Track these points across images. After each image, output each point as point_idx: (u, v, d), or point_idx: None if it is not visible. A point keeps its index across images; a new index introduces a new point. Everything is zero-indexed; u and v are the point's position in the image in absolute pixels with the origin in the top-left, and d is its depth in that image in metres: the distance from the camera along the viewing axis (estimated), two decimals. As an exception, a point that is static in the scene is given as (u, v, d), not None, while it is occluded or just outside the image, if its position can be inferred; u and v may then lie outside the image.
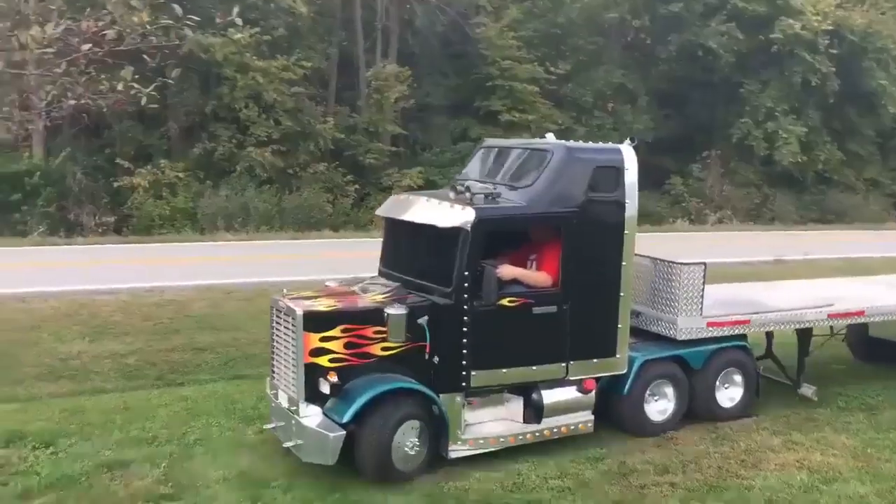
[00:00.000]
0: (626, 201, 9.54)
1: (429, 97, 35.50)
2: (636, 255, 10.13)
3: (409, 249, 9.78)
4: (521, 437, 9.37)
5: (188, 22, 9.13)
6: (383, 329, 8.71)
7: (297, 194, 30.15)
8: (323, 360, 8.61)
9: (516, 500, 8.56)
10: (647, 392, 10.11)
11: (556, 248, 9.34)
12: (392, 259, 10.05)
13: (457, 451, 9.04)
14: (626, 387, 9.90)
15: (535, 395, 9.40)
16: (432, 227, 9.03)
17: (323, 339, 8.61)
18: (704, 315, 10.24)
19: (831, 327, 11.80)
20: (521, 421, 9.46)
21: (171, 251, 22.90)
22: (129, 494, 8.39)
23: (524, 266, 9.50)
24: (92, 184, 29.12)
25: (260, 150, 29.74)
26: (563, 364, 9.42)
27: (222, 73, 29.50)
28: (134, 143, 30.06)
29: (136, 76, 9.36)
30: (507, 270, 9.14)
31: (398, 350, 8.83)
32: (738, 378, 10.68)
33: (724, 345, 10.51)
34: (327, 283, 9.80)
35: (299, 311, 8.59)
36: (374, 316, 8.73)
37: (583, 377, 9.57)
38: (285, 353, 8.94)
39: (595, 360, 9.63)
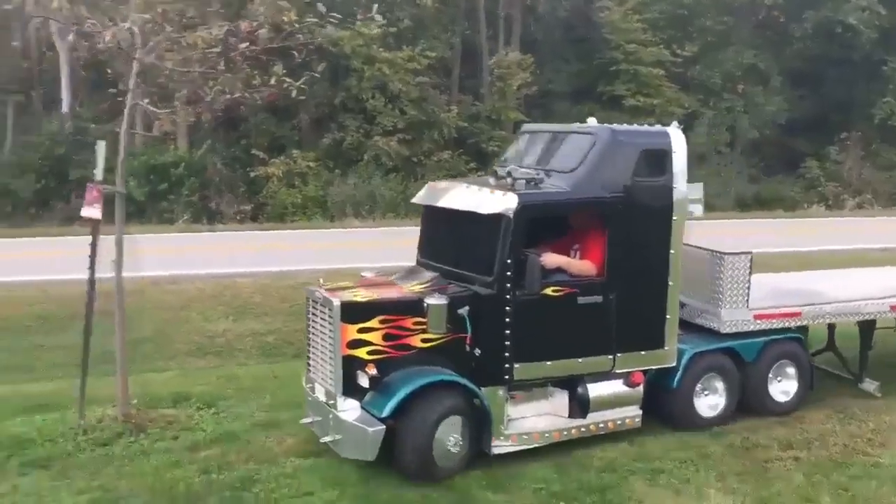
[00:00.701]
0: (675, 186, 9.15)
1: (551, 84, 35.46)
2: (688, 245, 9.79)
3: (449, 238, 9.44)
4: (565, 433, 8.99)
5: (331, 19, 9.65)
6: (423, 320, 8.38)
7: (422, 182, 30.34)
8: (361, 353, 8.31)
9: (639, 468, 8.76)
10: (698, 386, 9.70)
11: (601, 236, 8.97)
12: (431, 248, 9.71)
13: (500, 447, 8.69)
14: (676, 380, 9.49)
15: (580, 389, 9.03)
16: (473, 214, 8.70)
17: (361, 331, 8.30)
18: (751, 307, 9.80)
19: None
20: (566, 416, 9.10)
21: (304, 237, 23.55)
22: (283, 451, 9.08)
23: (567, 255, 9.14)
24: (230, 174, 30.56)
25: (386, 140, 30.50)
26: (610, 356, 9.04)
27: (350, 65, 30.16)
28: (268, 135, 31.26)
29: (285, 71, 10.22)
30: (550, 259, 8.79)
31: (438, 342, 8.50)
32: (791, 371, 10.21)
33: (777, 336, 10.06)
34: (364, 274, 9.50)
35: (336, 302, 8.28)
36: (413, 306, 8.41)
37: (630, 370, 9.18)
38: (322, 346, 8.64)
39: (643, 353, 9.24)
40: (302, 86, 10.47)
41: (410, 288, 8.82)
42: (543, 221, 8.85)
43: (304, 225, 27.02)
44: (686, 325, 9.94)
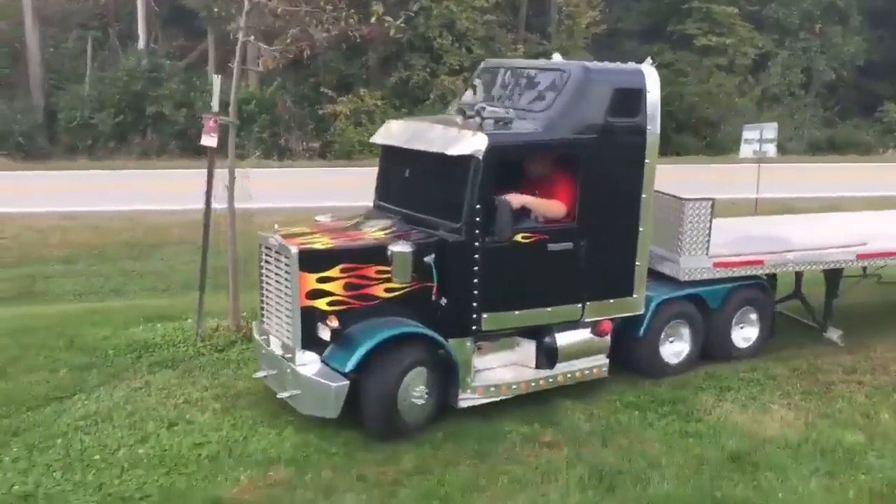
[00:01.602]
0: (648, 127, 8.72)
1: (620, 22, 34.68)
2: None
3: (411, 180, 8.86)
4: (532, 384, 8.62)
5: None
6: (387, 268, 7.85)
7: (486, 121, 30.29)
8: (321, 304, 7.75)
9: (708, 385, 9.29)
10: (663, 333, 9.44)
11: (568, 180, 8.52)
12: (390, 191, 9.13)
13: (466, 399, 8.28)
14: (642, 328, 9.21)
15: (547, 339, 8.65)
16: (439, 156, 8.13)
17: (321, 280, 7.74)
18: (711, 255, 9.52)
19: (864, 268, 10.98)
20: (533, 366, 8.73)
21: (370, 175, 22.71)
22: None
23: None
24: (299, 111, 30.36)
25: (452, 79, 29.88)
26: (579, 305, 8.67)
27: (419, 2, 29.20)
28: (336, 73, 30.83)
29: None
30: (516, 198, 8.28)
31: (402, 291, 7.99)
32: (753, 317, 10.04)
33: (742, 283, 9.83)
34: (318, 218, 8.89)
35: (294, 250, 7.68)
36: (376, 254, 7.85)
37: (599, 319, 8.84)
38: (278, 296, 8.05)
39: (612, 301, 8.90)
40: (401, 24, 11.36)
41: (372, 234, 8.26)
42: (514, 164, 8.35)
43: (370, 163, 26.03)
44: (649, 272, 9.66)
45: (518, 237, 8.17)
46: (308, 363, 7.79)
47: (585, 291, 8.67)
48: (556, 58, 9.49)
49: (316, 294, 7.73)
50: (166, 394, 8.75)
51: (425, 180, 8.64)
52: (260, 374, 8.52)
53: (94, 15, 33.53)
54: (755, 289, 10.00)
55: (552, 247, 8.40)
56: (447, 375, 8.14)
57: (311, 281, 7.70)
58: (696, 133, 34.50)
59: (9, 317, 11.33)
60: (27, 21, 30.43)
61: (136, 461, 7.42)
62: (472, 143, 7.96)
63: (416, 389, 7.88)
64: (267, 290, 8.27)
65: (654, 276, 9.62)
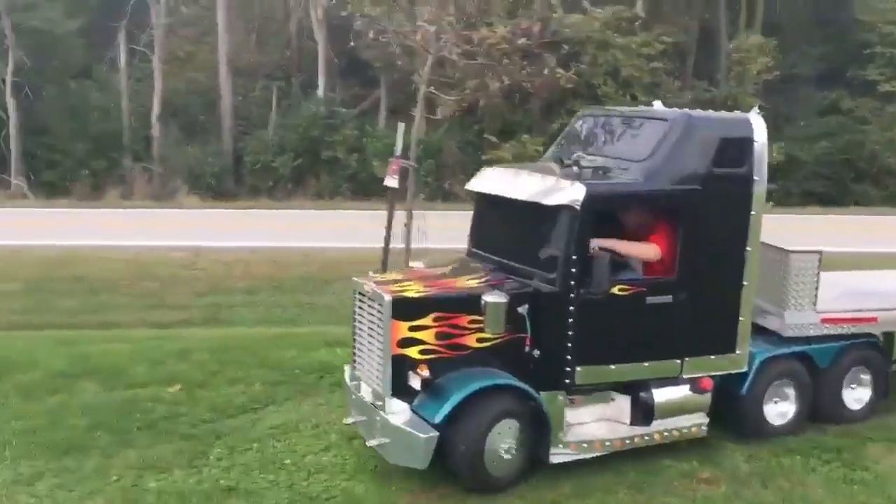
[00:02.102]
0: (755, 177, 8.40)
1: (795, 68, 33.96)
2: None
3: (507, 229, 8.75)
4: (628, 441, 8.34)
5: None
6: (480, 318, 7.72)
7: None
8: (412, 352, 7.68)
9: (878, 436, 9.11)
10: (767, 392, 9.02)
11: (668, 230, 8.26)
12: (485, 239, 9.02)
13: (558, 455, 8.05)
14: (745, 386, 8.82)
15: (644, 394, 8.35)
16: (536, 205, 8.01)
17: (413, 329, 7.67)
18: (819, 310, 9.07)
19: None
20: (628, 422, 8.45)
21: None
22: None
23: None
24: (463, 157, 30.79)
25: None
26: (678, 360, 8.36)
27: (582, 51, 29.53)
28: (500, 120, 30.98)
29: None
30: (602, 242, 8.04)
31: (495, 342, 7.85)
32: (865, 377, 9.51)
33: (854, 341, 9.34)
34: (412, 265, 8.85)
35: (387, 298, 7.64)
36: (469, 303, 7.74)
37: (699, 375, 8.51)
38: (370, 343, 8.01)
39: (713, 357, 8.55)
40: (572, 76, 11.30)
41: (465, 283, 8.16)
42: (612, 215, 8.16)
43: None
44: (756, 328, 9.28)
45: (615, 289, 7.95)
46: (398, 412, 7.71)
47: (685, 347, 8.36)
48: (657, 105, 9.26)
49: (407, 342, 7.66)
50: (345, 411, 9.04)
51: (521, 229, 8.51)
52: (349, 419, 8.47)
53: (279, 66, 36.04)
54: (868, 347, 9.48)
55: (651, 300, 8.13)
56: (538, 429, 7.93)
57: (403, 329, 7.64)
58: (878, 183, 32.91)
59: (207, 337, 12.42)
60: (222, 72, 32.84)
61: (321, 467, 8.29)
62: (570, 193, 7.81)
63: (504, 442, 7.69)
64: (360, 335, 8.25)
65: (762, 332, 9.24)
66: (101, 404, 9.70)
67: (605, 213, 7.97)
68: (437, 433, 7.47)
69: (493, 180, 8.81)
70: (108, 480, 7.97)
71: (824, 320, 9.13)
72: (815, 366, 9.19)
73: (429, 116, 18.22)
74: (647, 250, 8.28)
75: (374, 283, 7.99)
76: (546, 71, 12.81)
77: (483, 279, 8.19)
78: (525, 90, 14.10)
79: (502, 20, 11.79)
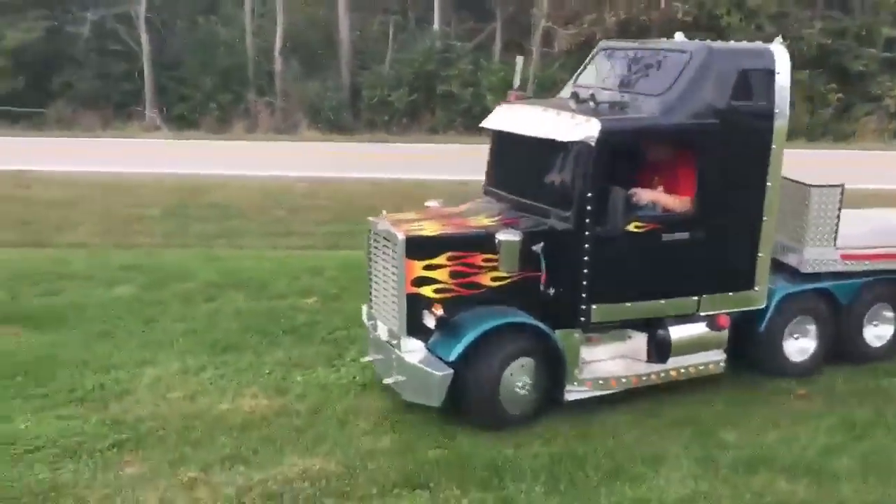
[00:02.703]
0: (776, 110, 8.21)
1: None
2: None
3: (522, 166, 8.64)
4: (644, 378, 8.32)
5: None
6: (494, 257, 7.68)
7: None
8: (427, 291, 7.67)
9: None
10: (787, 329, 8.94)
11: (690, 168, 8.12)
12: (501, 177, 8.94)
13: (573, 392, 8.06)
14: (763, 323, 8.75)
15: (660, 332, 8.28)
16: (550, 142, 7.89)
17: (427, 268, 7.65)
18: (838, 246, 8.92)
19: None
20: (645, 360, 8.42)
21: None
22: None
23: (654, 187, 8.33)
24: None
25: None
26: (695, 298, 8.29)
27: None
28: None
29: None
30: (646, 194, 8.00)
31: (510, 281, 7.81)
32: (888, 314, 9.39)
33: (877, 277, 9.19)
34: (428, 204, 8.80)
35: (401, 236, 7.61)
36: (483, 242, 7.69)
37: (716, 312, 8.44)
38: (385, 282, 8.02)
39: (731, 294, 8.47)
40: (688, 8, 11.11)
41: (479, 221, 8.11)
42: (628, 151, 8.03)
43: None
44: (776, 264, 9.18)
45: (631, 226, 7.87)
46: (413, 350, 7.73)
47: (702, 284, 8.29)
48: (679, 37, 9.03)
49: (422, 281, 7.65)
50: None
51: (536, 166, 8.40)
52: (368, 358, 8.54)
53: (397, 1, 35.95)
54: (890, 284, 9.33)
55: (667, 237, 8.04)
56: (554, 367, 7.94)
57: (417, 268, 7.62)
58: None
59: (336, 257, 13.31)
60: (340, 8, 33.09)
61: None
62: (585, 129, 7.67)
63: (519, 380, 7.72)
64: (375, 275, 8.25)
65: (782, 267, 9.14)
66: (249, 311, 10.91)
67: (621, 148, 7.85)
68: (451, 371, 7.50)
69: (508, 117, 8.68)
70: (261, 373, 8.98)
71: (844, 256, 8.98)
72: (837, 302, 9.08)
73: (545, 50, 18.03)
74: (682, 203, 8.15)
75: (389, 221, 7.95)
76: (663, 4, 13.05)
77: (498, 217, 8.13)
78: (643, 24, 13.85)
79: None
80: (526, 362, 7.73)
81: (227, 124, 30.35)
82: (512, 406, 7.74)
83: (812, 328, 9.04)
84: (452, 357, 7.51)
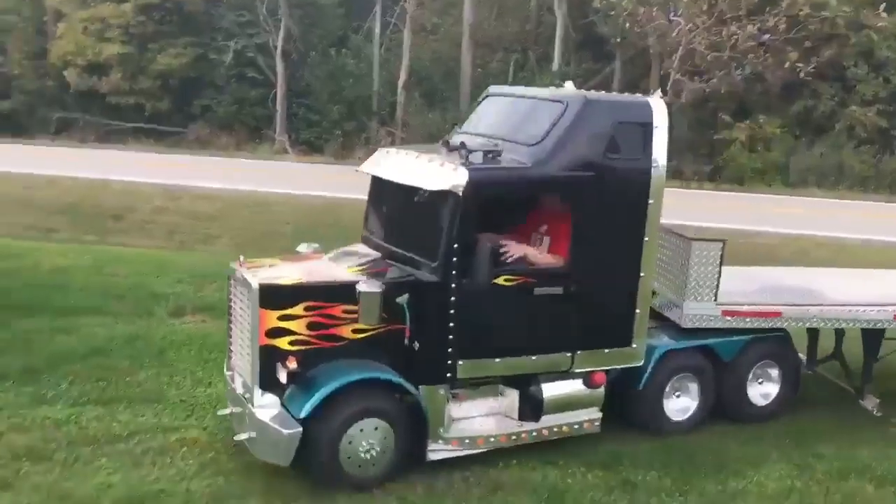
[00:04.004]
0: (653, 164, 7.99)
1: None
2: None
3: (394, 214, 8.31)
4: (514, 437, 7.95)
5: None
6: (354, 308, 7.28)
7: (896, 157, 28.96)
8: (282, 343, 7.22)
9: None
10: (668, 387, 8.66)
11: (565, 220, 7.85)
12: (375, 224, 8.59)
13: (437, 451, 7.66)
14: (643, 381, 8.45)
15: (533, 389, 7.96)
16: (419, 190, 7.57)
17: (282, 318, 7.21)
18: (720, 302, 8.67)
19: None
20: (517, 418, 8.06)
21: (759, 201, 24.52)
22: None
23: (529, 241, 8.04)
24: (694, 135, 30.36)
25: (864, 110, 28.77)
26: (569, 354, 7.97)
27: (833, 32, 28.16)
28: (736, 100, 30.15)
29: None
30: (514, 248, 7.68)
31: (372, 333, 7.42)
32: (773, 373, 9.16)
33: (761, 335, 8.97)
34: (300, 249, 8.39)
35: (255, 284, 7.18)
36: (343, 292, 7.28)
37: (591, 369, 8.12)
38: (241, 332, 7.57)
39: (607, 351, 8.17)
40: (810, 69, 13.44)
41: (344, 270, 7.72)
42: (497, 201, 7.73)
43: (762, 189, 27.41)
44: (661, 319, 8.95)
45: (501, 280, 7.54)
46: (266, 405, 7.28)
47: (576, 340, 7.97)
48: (568, 86, 8.79)
49: (277, 332, 7.21)
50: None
51: (407, 215, 8.06)
52: (224, 411, 8.04)
53: (517, 39, 36.97)
54: (776, 342, 9.11)
55: (539, 291, 7.73)
56: (416, 425, 7.53)
57: (272, 318, 7.18)
58: None
59: None
60: (464, 44, 33.85)
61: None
62: (452, 178, 7.36)
63: (364, 442, 7.25)
64: (233, 324, 7.80)
65: (665, 322, 8.91)
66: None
67: (490, 198, 7.54)
68: (301, 429, 7.05)
69: (383, 163, 8.34)
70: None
71: (726, 313, 8.74)
72: (720, 359, 8.83)
73: (668, 99, 18.34)
74: (554, 261, 7.89)
75: (247, 267, 7.53)
76: (787, 64, 14.44)
77: (365, 266, 7.76)
78: (766, 79, 14.93)
79: (750, 18, 12.89)
80: (374, 423, 7.29)
81: (350, 151, 31.65)
82: (357, 469, 7.28)
83: (694, 386, 8.78)
84: (302, 414, 7.07)
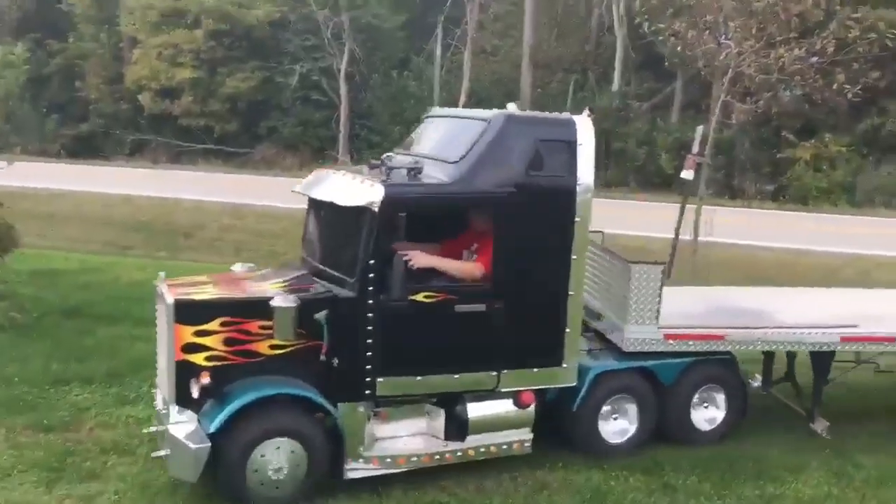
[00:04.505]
0: (579, 183, 7.70)
1: None
2: (599, 249, 8.45)
3: (322, 232, 8.14)
4: (437, 457, 7.64)
5: None
6: (270, 324, 7.14)
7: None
8: (198, 358, 7.07)
9: None
10: (605, 409, 8.29)
11: (488, 238, 7.62)
12: (308, 243, 8.44)
13: (356, 470, 7.41)
14: (576, 402, 8.12)
15: (458, 408, 7.67)
16: (338, 207, 7.44)
17: (198, 334, 7.06)
18: (661, 326, 8.27)
19: (857, 353, 9.23)
20: (443, 437, 7.82)
21: (824, 221, 23.99)
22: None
23: (460, 257, 7.83)
24: (757, 154, 30.30)
25: None
26: (494, 373, 7.67)
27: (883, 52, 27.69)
28: (800, 118, 29.83)
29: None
30: (421, 259, 7.46)
31: (290, 349, 7.26)
32: (719, 397, 8.68)
33: (704, 359, 8.52)
34: (233, 268, 8.32)
35: (170, 299, 7.10)
36: (259, 308, 7.11)
37: (518, 389, 7.84)
38: (160, 348, 7.52)
39: (535, 370, 7.85)
40: (857, 91, 14.27)
41: (264, 287, 7.61)
42: (415, 218, 7.57)
43: (828, 209, 26.72)
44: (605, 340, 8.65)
45: (421, 296, 7.34)
46: (181, 421, 7.14)
47: (502, 359, 7.66)
48: (510, 107, 8.54)
49: (193, 348, 7.07)
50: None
51: (331, 232, 7.90)
52: (151, 428, 7.98)
53: (577, 60, 36.62)
54: (720, 366, 8.63)
55: (461, 308, 7.48)
56: (334, 443, 7.36)
57: (187, 333, 7.05)
58: None
59: None
60: (524, 65, 33.75)
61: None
62: (369, 195, 7.18)
63: (273, 461, 7.03)
64: (158, 340, 7.77)
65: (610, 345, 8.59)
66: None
67: (406, 215, 7.38)
68: (209, 445, 6.91)
69: (313, 182, 8.23)
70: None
71: (669, 336, 8.35)
72: (659, 383, 8.45)
73: (724, 120, 18.64)
74: (471, 269, 7.61)
75: (167, 284, 7.49)
76: (835, 86, 15.67)
77: (287, 283, 7.66)
78: (815, 101, 15.45)
79: (798, 41, 13.59)
80: (284, 442, 7.06)
81: None
82: (264, 487, 7.06)
83: (632, 408, 8.39)
84: (211, 429, 6.92)
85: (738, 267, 16.67)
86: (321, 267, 7.82)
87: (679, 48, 16.42)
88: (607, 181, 30.12)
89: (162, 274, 7.62)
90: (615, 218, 20.72)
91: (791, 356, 9.42)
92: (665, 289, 8.31)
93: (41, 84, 37.51)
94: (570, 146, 7.64)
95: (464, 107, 32.56)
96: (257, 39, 37.03)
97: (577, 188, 7.66)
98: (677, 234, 12.00)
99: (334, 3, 34.83)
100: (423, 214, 7.65)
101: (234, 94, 36.52)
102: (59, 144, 37.20)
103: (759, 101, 14.42)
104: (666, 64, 30.09)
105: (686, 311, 8.68)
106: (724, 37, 14.74)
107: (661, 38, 27.40)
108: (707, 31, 14.95)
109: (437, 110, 9.01)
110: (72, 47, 39.31)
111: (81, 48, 39.32)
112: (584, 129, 7.72)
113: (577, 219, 7.68)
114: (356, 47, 35.58)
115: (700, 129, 10.86)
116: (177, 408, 7.16)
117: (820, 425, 9.10)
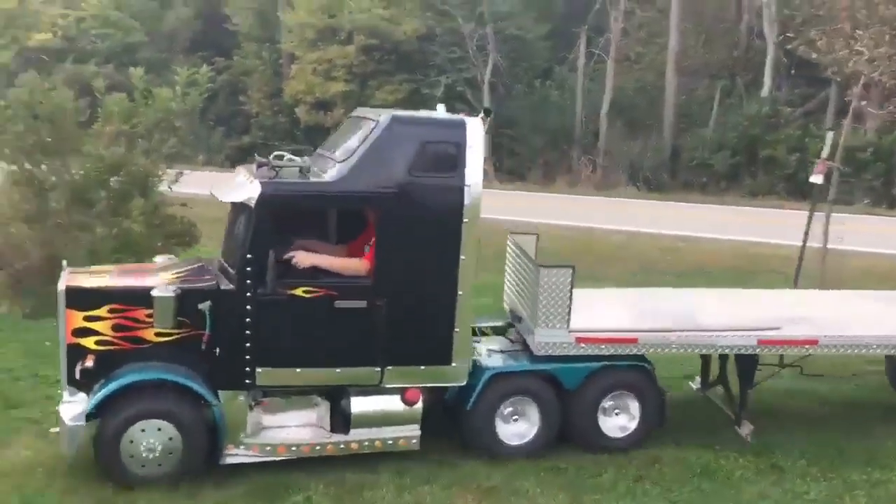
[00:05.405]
0: (467, 185, 7.37)
1: None
2: (520, 251, 8.11)
3: (227, 227, 8.15)
4: (318, 448, 7.45)
5: None
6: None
7: None
8: (88, 342, 7.15)
9: None
10: (502, 410, 7.85)
11: (367, 231, 7.43)
12: (223, 239, 8.47)
13: (235, 456, 7.31)
14: (470, 401, 7.76)
15: (343, 402, 7.49)
16: (233, 204, 7.43)
17: (88, 319, 7.15)
18: (572, 329, 7.81)
19: (781, 357, 8.63)
20: (329, 429, 7.64)
21: None
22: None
23: (360, 254, 7.65)
24: None
25: None
26: (377, 369, 7.43)
27: None
28: None
29: None
30: (303, 257, 7.31)
31: (175, 337, 7.25)
32: (632, 403, 8.10)
33: (610, 363, 7.99)
34: (156, 259, 8.39)
35: (62, 286, 7.22)
36: (143, 297, 7.14)
37: (404, 386, 7.57)
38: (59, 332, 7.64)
39: (421, 368, 7.56)
40: None
41: (156, 277, 7.61)
42: (295, 214, 7.43)
43: None
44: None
45: (300, 291, 7.19)
46: (71, 401, 7.23)
47: (385, 355, 7.42)
48: (440, 109, 8.25)
49: (83, 332, 7.15)
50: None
51: (229, 227, 7.85)
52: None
53: (725, 65, 35.03)
54: (632, 371, 8.06)
55: (341, 304, 7.28)
56: (211, 429, 7.29)
57: (77, 318, 7.13)
58: None
59: None
60: (668, 72, 33.03)
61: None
62: (247, 191, 7.11)
63: (145, 442, 7.01)
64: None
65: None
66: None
67: (285, 211, 7.23)
68: (83, 423, 6.96)
69: (222, 181, 8.20)
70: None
71: (580, 340, 7.88)
72: (562, 387, 7.98)
73: (855, 126, 18.53)
74: (356, 265, 7.42)
75: (69, 272, 7.60)
76: None
77: (181, 274, 7.64)
78: None
79: None
80: (158, 424, 7.03)
81: (551, 179, 31.38)
82: (138, 466, 7.05)
83: (533, 411, 7.95)
84: (90, 408, 7.00)
85: (876, 276, 15.27)
86: (222, 261, 7.78)
87: (815, 55, 15.94)
88: (753, 189, 28.83)
89: (64, 262, 7.72)
90: (759, 227, 20.39)
91: (723, 359, 8.73)
92: (594, 291, 7.91)
93: (209, 99, 38.34)
94: (458, 148, 7.33)
95: (606, 113, 32.21)
96: (405, 53, 36.70)
97: (465, 189, 7.32)
98: (804, 242, 11.69)
99: (479, 16, 34.73)
100: (303, 212, 7.51)
101: (383, 106, 36.44)
102: (224, 155, 37.82)
103: (890, 108, 14.50)
104: (825, 71, 28.14)
105: (613, 313, 8.18)
106: (857, 44, 14.32)
107: (789, 46, 25.58)
108: (841, 39, 14.54)
109: (358, 110, 8.78)
110: (237, 64, 40.23)
111: (245, 65, 40.21)
112: (475, 131, 7.39)
113: (465, 220, 7.35)
114: (500, 58, 35.19)
115: (831, 134, 10.93)
116: (69, 390, 7.24)
117: (745, 429, 8.40)
